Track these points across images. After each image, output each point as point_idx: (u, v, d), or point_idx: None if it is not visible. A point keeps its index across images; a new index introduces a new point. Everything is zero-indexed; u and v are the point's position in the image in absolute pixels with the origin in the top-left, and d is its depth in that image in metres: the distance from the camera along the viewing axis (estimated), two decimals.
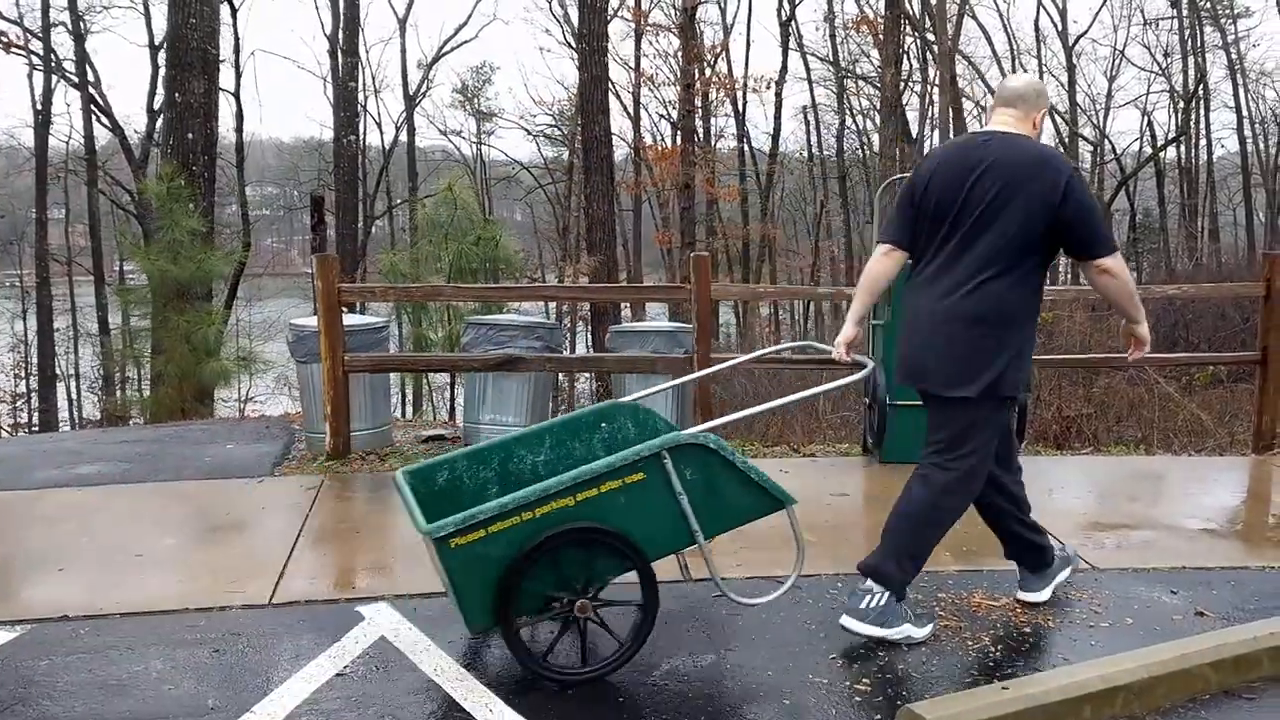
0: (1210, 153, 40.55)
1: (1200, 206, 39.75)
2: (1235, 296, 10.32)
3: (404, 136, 34.01)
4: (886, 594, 3.75)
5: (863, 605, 3.74)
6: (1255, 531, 5.25)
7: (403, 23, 34.24)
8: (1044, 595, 4.17)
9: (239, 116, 24.17)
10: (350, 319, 7.19)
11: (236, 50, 24.12)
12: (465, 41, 46.30)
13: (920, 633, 3.81)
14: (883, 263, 3.88)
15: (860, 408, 8.13)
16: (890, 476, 6.05)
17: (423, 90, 34.77)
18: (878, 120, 36.23)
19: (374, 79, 52.92)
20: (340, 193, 23.47)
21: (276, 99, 77.88)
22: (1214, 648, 3.50)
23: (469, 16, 50.37)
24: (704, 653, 3.68)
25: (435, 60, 34.58)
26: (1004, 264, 3.64)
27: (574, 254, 29.00)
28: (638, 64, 31.39)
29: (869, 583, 3.78)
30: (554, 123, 36.72)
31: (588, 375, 15.71)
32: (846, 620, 3.77)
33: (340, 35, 24.22)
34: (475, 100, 39.84)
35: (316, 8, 51.23)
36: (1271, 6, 42.45)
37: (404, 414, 18.50)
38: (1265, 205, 39.42)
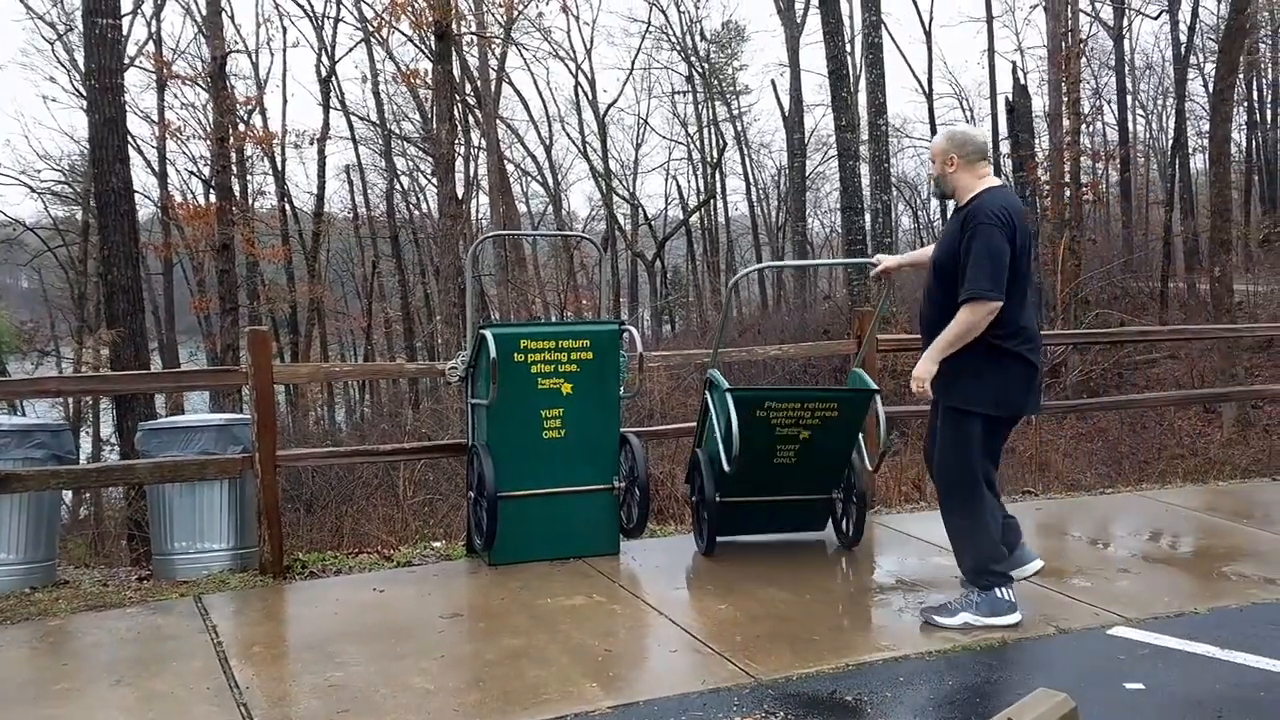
0: (727, 215, 44.78)
1: (721, 263, 43.55)
2: (831, 354, 10.69)
3: None
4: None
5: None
6: None
7: None
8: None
9: None
10: None
11: None
12: None
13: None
14: (988, 319, 4.05)
15: (457, 501, 7.19)
16: (507, 582, 5.18)
17: None
18: (421, 181, 35.91)
19: None
20: None
21: None
22: None
23: None
24: None
25: None
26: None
27: (94, 324, 25.37)
28: (161, 116, 28.50)
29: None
30: (64, 179, 32.57)
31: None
32: None
33: None
34: None
35: None
36: (767, 86, 47.93)
37: None
38: (771, 259, 44.08)
